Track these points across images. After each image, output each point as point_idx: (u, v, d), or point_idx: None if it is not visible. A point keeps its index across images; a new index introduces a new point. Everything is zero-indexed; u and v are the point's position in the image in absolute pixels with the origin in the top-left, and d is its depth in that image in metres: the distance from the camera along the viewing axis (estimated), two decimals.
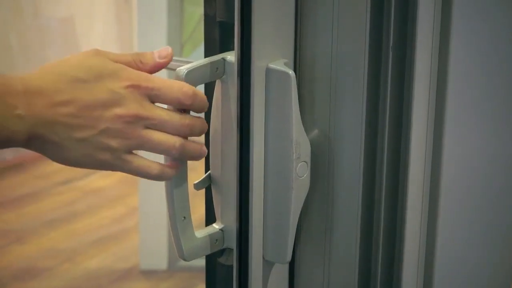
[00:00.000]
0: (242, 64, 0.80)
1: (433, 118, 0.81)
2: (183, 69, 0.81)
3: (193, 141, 0.82)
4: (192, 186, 0.86)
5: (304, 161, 0.82)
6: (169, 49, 0.82)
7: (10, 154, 3.44)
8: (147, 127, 0.80)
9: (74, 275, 2.78)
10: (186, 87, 0.80)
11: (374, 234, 0.84)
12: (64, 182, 3.39)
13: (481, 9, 0.81)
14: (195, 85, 0.81)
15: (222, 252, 0.88)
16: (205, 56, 0.85)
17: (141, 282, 2.75)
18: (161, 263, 2.82)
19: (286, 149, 0.81)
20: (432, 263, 0.85)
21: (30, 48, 3.40)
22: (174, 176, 0.83)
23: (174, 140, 0.81)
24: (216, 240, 0.85)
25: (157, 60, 0.82)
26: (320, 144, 0.84)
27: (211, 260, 0.95)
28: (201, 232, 0.85)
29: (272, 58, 0.81)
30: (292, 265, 0.89)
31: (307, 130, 0.83)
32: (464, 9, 0.79)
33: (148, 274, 2.79)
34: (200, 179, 0.87)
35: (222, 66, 0.82)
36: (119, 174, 3.13)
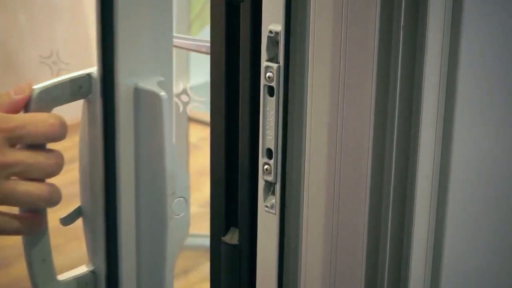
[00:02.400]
0: (105, 82, 0.67)
1: (443, 101, 0.74)
2: (36, 89, 0.67)
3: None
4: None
5: (182, 197, 0.69)
6: (27, 85, 0.70)
7: None
8: (10, 177, 0.69)
9: (83, 253, 2.70)
10: (52, 118, 0.69)
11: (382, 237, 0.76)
12: (73, 160, 3.31)
13: None
14: (51, 108, 0.68)
15: (226, 230, 0.83)
16: (211, 36, 0.79)
17: None
18: None
19: (159, 182, 0.68)
20: (440, 261, 0.78)
21: (38, 25, 3.31)
22: None
23: (43, 188, 0.71)
24: (86, 283, 0.73)
25: (13, 97, 0.70)
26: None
27: (215, 239, 0.89)
28: (66, 275, 0.73)
29: (143, 75, 0.68)
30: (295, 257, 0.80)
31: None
32: None
33: None
34: (68, 213, 0.74)
35: (88, 83, 0.69)
36: None
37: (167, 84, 0.68)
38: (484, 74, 0.76)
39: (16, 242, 2.51)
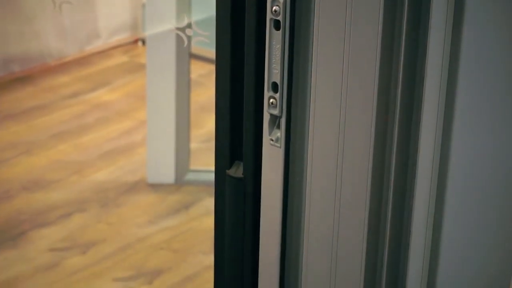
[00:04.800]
0: None
1: (444, 98, 0.74)
2: None
3: None
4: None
5: None
6: None
7: (17, 66, 3.35)
8: None
9: (82, 188, 2.72)
10: None
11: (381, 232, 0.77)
12: (72, 95, 3.31)
13: None
14: None
15: (231, 163, 0.84)
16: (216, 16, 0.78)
17: (149, 195, 2.68)
18: (169, 176, 2.75)
19: None
20: (437, 256, 0.79)
21: None
22: None
23: None
24: None
25: None
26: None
27: (220, 172, 0.89)
28: None
29: None
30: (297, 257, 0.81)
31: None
32: None
33: (156, 187, 2.73)
34: None
35: None
36: (127, 88, 3.06)
37: None
38: (484, 73, 0.75)
39: (18, 175, 2.50)
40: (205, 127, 3.08)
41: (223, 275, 0.92)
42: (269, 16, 0.76)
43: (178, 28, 2.59)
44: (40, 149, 2.95)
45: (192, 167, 2.79)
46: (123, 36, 3.65)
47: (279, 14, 0.75)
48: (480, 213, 0.80)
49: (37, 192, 2.67)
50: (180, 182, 2.76)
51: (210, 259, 2.36)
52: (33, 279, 2.24)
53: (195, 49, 3.09)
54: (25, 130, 3.08)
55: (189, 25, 2.10)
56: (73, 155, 2.92)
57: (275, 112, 0.79)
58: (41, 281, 2.24)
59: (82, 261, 2.33)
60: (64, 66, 3.45)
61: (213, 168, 2.81)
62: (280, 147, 0.79)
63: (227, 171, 0.86)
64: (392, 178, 0.76)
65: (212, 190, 2.89)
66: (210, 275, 2.30)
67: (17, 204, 2.61)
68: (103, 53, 3.57)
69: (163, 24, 2.69)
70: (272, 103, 0.79)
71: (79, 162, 2.87)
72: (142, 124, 3.05)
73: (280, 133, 0.79)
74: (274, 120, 0.80)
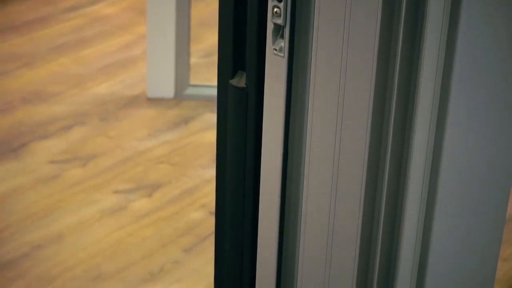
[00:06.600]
0: None
1: (438, 95, 0.74)
2: None
3: None
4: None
5: None
6: None
7: None
8: None
9: (82, 101, 2.71)
10: None
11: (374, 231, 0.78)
12: (72, 8, 3.27)
13: None
14: None
15: (234, 73, 0.82)
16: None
17: (148, 109, 2.68)
18: (168, 91, 2.75)
19: None
20: (426, 257, 0.80)
21: None
22: None
23: None
24: None
25: None
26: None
27: (222, 82, 0.87)
28: None
29: None
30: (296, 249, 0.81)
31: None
32: None
33: (155, 101, 2.72)
34: None
35: None
36: (127, 2, 3.02)
37: None
38: (478, 75, 0.75)
39: (19, 87, 2.50)
40: (205, 42, 3.06)
41: (224, 186, 0.92)
42: None
43: None
44: (40, 61, 2.93)
45: (192, 81, 2.77)
46: None
47: None
48: (469, 215, 0.81)
49: (37, 105, 2.67)
50: (179, 97, 2.75)
51: (209, 173, 2.37)
52: (34, 190, 2.25)
53: None
54: (25, 42, 3.05)
55: None
56: (73, 68, 2.90)
57: (279, 21, 0.77)
58: (42, 192, 2.25)
59: (82, 174, 2.34)
60: None
61: (212, 83, 2.83)
62: (283, 57, 0.78)
63: (229, 80, 0.84)
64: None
65: (211, 105, 2.90)
66: (209, 189, 2.32)
67: (18, 116, 2.61)
68: None
69: None
70: (276, 12, 0.77)
71: (79, 75, 2.86)
72: (142, 39, 3.02)
73: (283, 43, 0.78)
74: (278, 29, 0.79)
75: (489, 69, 0.75)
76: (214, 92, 2.71)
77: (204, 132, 2.57)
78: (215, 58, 2.94)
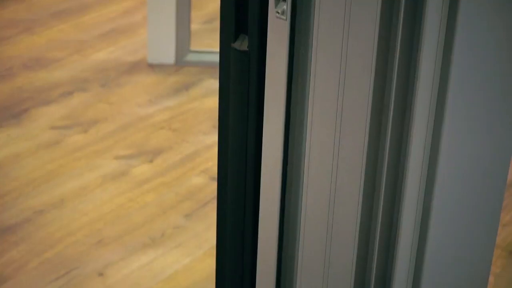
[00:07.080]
0: None
1: (436, 94, 0.74)
2: None
3: None
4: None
5: None
6: None
7: None
8: None
9: (83, 67, 2.70)
10: None
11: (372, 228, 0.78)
12: None
13: None
14: None
15: (236, 37, 0.83)
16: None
17: (149, 76, 2.67)
18: (169, 57, 2.74)
19: None
20: (422, 257, 0.80)
21: None
22: None
23: None
24: None
25: None
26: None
27: (225, 46, 0.87)
28: None
29: None
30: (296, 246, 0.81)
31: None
32: None
33: (156, 67, 2.72)
34: None
35: None
36: None
37: None
38: (475, 75, 0.75)
39: (20, 53, 2.49)
40: (205, 8, 3.05)
41: (226, 150, 0.92)
42: None
43: None
44: (40, 27, 2.92)
45: (193, 47, 2.77)
46: None
47: None
48: (466, 214, 0.81)
49: (38, 71, 2.66)
50: (180, 63, 2.74)
51: (210, 139, 2.37)
52: (36, 155, 2.26)
53: None
54: (25, 8, 3.04)
55: None
56: (73, 34, 2.89)
57: None
58: (43, 158, 2.25)
59: (84, 139, 2.34)
60: None
61: (213, 48, 2.82)
62: (285, 20, 0.78)
63: (232, 44, 0.84)
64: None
65: (212, 71, 2.89)
66: (210, 154, 2.32)
67: (19, 82, 2.61)
68: None
69: None
70: None
71: (80, 42, 2.85)
72: (143, 5, 3.01)
73: (286, 6, 0.78)
74: None
75: (486, 68, 0.75)
76: (215, 58, 2.70)
77: (205, 98, 2.57)
78: (216, 24, 2.93)
